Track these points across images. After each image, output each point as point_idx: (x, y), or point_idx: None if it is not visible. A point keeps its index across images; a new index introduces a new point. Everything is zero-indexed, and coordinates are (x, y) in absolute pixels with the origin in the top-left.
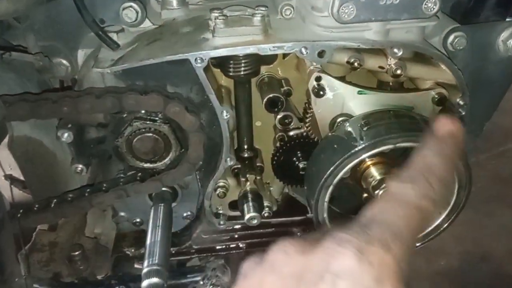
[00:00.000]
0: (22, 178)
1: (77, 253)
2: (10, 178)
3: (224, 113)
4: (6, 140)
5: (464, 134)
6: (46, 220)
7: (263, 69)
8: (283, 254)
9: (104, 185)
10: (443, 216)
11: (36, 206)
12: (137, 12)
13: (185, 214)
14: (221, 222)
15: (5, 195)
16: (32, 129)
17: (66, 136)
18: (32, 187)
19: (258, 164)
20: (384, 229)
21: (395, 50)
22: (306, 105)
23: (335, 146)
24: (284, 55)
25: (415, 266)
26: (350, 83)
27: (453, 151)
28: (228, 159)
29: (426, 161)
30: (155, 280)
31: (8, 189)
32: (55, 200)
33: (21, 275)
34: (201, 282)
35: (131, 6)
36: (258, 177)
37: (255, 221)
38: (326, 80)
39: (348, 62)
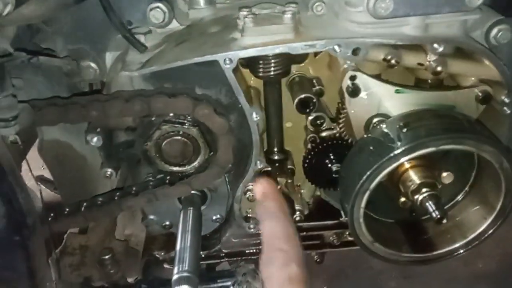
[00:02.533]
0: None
1: (107, 256)
2: (41, 179)
3: (254, 115)
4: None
5: None
6: (77, 224)
7: (294, 68)
8: None
9: (134, 188)
10: (488, 222)
11: (67, 210)
12: (164, 13)
13: (214, 217)
14: (251, 226)
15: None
16: (62, 133)
17: (95, 140)
18: (62, 191)
19: (289, 167)
20: None
21: (436, 46)
22: (339, 105)
23: (372, 148)
24: (316, 53)
25: (453, 268)
26: (386, 81)
27: (275, 207)
28: (258, 162)
29: (266, 232)
30: (185, 287)
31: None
32: (85, 204)
33: (52, 279)
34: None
35: (158, 7)
36: (289, 180)
37: None
38: (361, 79)
39: (384, 59)
